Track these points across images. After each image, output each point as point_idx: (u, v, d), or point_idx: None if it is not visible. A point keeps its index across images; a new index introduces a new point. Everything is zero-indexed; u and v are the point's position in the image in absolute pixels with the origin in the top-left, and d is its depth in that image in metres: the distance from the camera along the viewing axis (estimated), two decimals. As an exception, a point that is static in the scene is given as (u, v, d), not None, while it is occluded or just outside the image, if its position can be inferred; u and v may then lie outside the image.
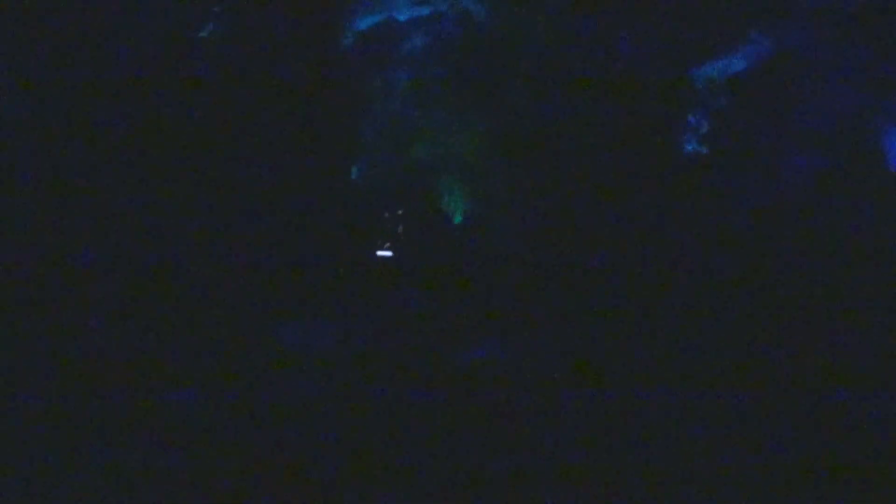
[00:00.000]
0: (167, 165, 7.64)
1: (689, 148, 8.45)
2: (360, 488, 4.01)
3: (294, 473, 4.20)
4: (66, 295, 6.75)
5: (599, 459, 4.46)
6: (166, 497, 3.91)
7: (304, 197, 8.66)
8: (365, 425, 4.96)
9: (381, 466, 4.29)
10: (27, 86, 7.00)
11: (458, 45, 8.89)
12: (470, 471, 4.24)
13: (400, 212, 9.39)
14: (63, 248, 7.01)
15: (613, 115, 8.65)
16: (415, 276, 8.78)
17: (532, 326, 7.35)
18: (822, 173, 7.77)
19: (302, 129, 8.70)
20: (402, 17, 8.82)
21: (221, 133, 8.22)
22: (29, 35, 7.01)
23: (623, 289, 8.13)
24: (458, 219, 9.33)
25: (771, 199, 7.91)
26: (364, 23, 8.74)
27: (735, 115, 8.36)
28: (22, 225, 6.92)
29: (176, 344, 6.40)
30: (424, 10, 8.75)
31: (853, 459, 4.33)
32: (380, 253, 9.27)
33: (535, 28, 8.60)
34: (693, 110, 8.50)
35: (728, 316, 7.30)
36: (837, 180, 7.72)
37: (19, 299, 6.55)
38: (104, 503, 3.86)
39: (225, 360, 5.99)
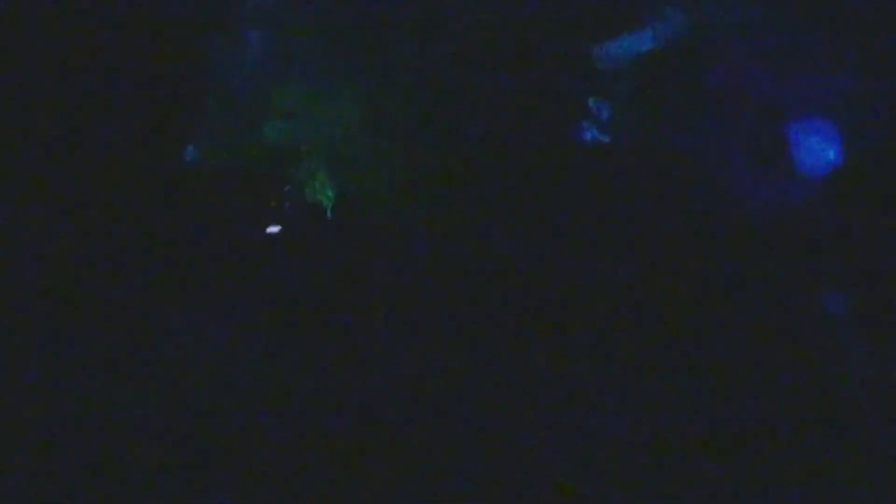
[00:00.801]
0: None
1: (589, 136, 7.22)
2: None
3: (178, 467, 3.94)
4: None
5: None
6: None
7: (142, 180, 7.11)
8: (262, 417, 4.83)
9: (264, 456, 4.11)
10: None
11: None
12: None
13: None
14: None
15: (508, 93, 7.37)
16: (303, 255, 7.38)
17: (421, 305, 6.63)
18: (737, 165, 6.67)
19: (130, 100, 7.10)
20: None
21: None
22: None
23: (512, 283, 6.85)
24: (328, 211, 7.80)
25: (680, 192, 6.77)
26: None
27: (642, 100, 7.19)
28: None
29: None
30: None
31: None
32: (269, 230, 7.69)
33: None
34: (594, 94, 7.27)
35: (627, 315, 6.15)
36: (753, 173, 6.63)
37: None
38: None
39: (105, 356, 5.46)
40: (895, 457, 4.44)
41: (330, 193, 7.52)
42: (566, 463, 4.62)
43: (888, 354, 5.63)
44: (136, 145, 7.05)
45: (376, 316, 6.50)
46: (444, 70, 7.51)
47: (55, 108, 6.59)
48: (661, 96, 7.09)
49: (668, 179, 6.86)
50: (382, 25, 7.67)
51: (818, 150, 6.34)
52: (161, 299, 6.32)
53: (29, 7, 6.48)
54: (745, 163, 6.60)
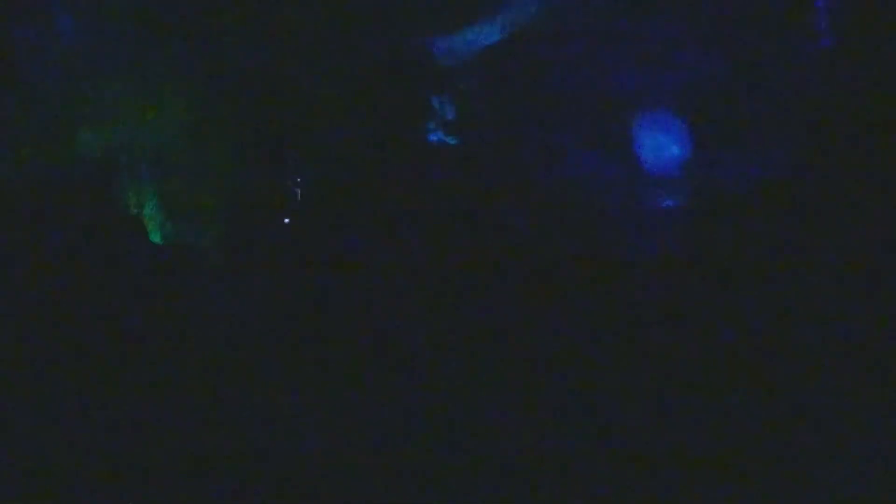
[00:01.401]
0: None
1: (434, 138, 6.75)
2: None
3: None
4: None
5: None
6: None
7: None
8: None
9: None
10: None
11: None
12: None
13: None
14: None
15: (346, 94, 6.79)
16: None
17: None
18: (584, 162, 6.35)
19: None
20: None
21: None
22: None
23: (355, 289, 6.30)
24: (154, 237, 6.94)
25: (527, 193, 6.39)
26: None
27: (488, 97, 6.77)
28: None
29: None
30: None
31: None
32: None
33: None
34: (438, 92, 6.80)
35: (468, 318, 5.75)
36: (600, 170, 6.33)
37: None
38: None
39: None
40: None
41: (152, 208, 6.72)
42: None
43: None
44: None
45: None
46: (277, 68, 6.87)
47: None
48: (508, 92, 6.68)
49: (514, 180, 6.46)
50: (211, 16, 6.95)
51: (662, 145, 6.09)
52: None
53: None
54: (593, 160, 6.27)
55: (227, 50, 6.96)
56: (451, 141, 6.60)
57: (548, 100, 6.55)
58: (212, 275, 6.38)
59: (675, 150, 6.04)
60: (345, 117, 6.66)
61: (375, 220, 6.45)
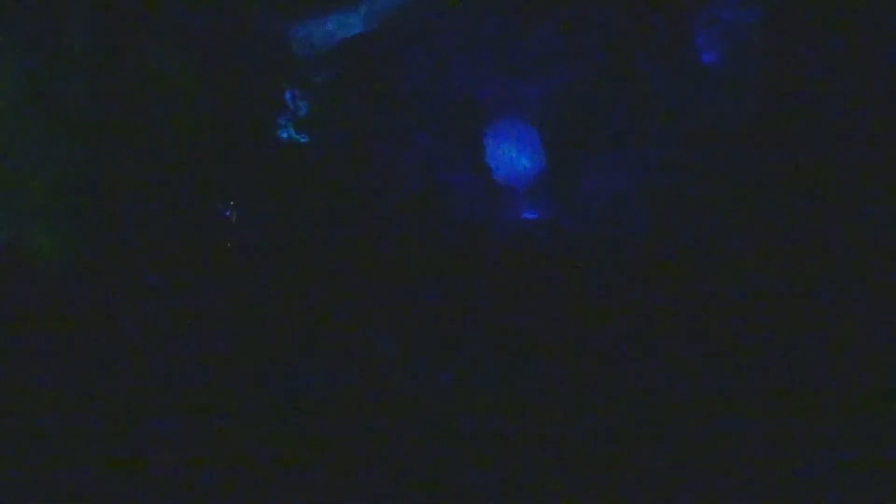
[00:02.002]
0: None
1: (285, 136, 6.37)
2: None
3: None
4: None
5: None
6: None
7: None
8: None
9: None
10: None
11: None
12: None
13: None
14: None
15: (192, 80, 6.31)
16: None
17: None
18: (439, 170, 6.07)
19: None
20: None
21: None
22: None
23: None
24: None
25: (379, 199, 6.09)
26: None
27: (343, 93, 6.40)
28: None
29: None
30: None
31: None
32: None
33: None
34: (290, 86, 6.39)
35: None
36: (455, 180, 6.07)
37: None
38: None
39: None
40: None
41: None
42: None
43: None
44: None
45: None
46: (124, 54, 6.33)
47: None
48: (365, 90, 6.33)
49: (366, 184, 6.15)
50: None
51: (512, 157, 5.87)
52: None
53: None
54: (448, 168, 6.01)
55: (68, 21, 6.39)
56: (302, 139, 6.24)
57: (406, 101, 6.23)
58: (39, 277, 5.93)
59: (525, 162, 5.82)
60: (195, 103, 6.21)
61: (220, 216, 6.09)
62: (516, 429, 5.56)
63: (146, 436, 5.01)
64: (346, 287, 6.07)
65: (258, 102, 6.29)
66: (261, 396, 5.64)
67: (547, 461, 5.22)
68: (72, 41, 6.32)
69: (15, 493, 4.27)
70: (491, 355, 5.86)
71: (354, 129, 6.22)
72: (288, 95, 6.29)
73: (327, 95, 6.27)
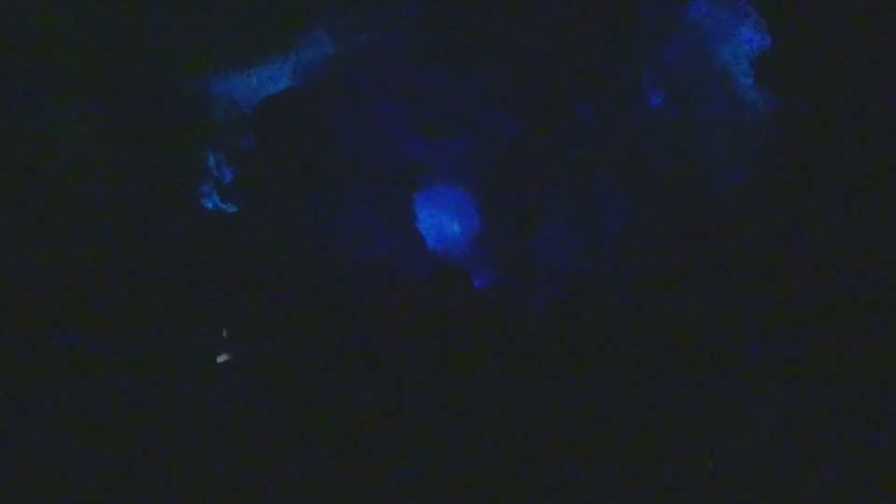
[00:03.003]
0: None
1: (211, 205, 5.92)
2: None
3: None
4: None
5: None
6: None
7: None
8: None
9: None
10: None
11: None
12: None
13: None
14: None
15: (100, 149, 5.86)
16: None
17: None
18: (368, 236, 5.66)
19: None
20: None
21: None
22: None
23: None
24: None
25: (320, 271, 5.69)
26: None
27: (272, 157, 5.95)
28: None
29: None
30: None
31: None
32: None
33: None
34: (214, 149, 5.95)
35: None
36: (382, 247, 5.65)
37: None
38: None
39: None
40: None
41: None
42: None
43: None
44: None
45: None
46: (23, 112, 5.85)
47: None
48: (292, 152, 5.90)
49: (297, 254, 5.76)
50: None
51: (442, 224, 5.47)
52: None
53: None
54: (375, 234, 5.60)
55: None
56: (229, 208, 5.82)
57: (336, 163, 5.81)
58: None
59: (455, 228, 5.43)
60: (97, 167, 5.76)
61: (142, 298, 5.69)
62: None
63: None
64: (279, 369, 5.72)
65: (179, 170, 5.86)
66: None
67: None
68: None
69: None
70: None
71: (283, 197, 5.80)
72: (211, 160, 5.85)
73: (253, 160, 5.84)
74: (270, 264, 5.72)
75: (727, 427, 5.25)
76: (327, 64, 5.95)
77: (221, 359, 5.57)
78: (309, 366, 5.62)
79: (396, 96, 5.66)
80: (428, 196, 5.39)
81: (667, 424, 5.29)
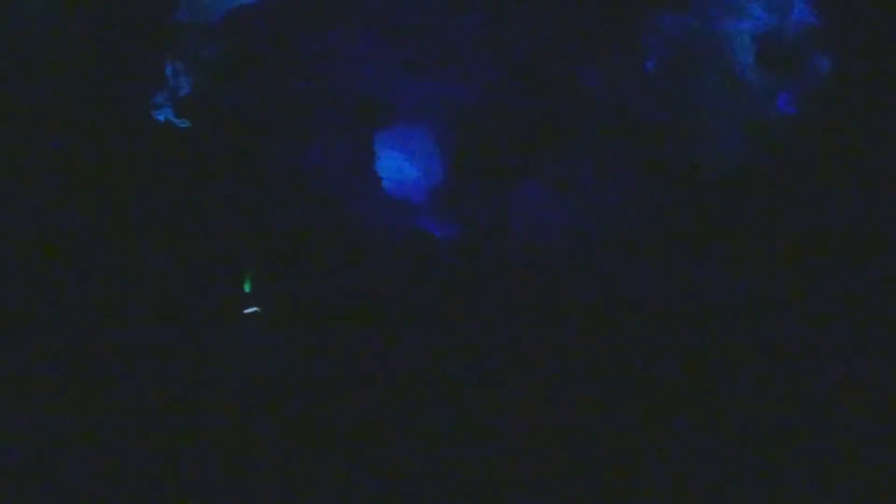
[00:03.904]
0: None
1: (162, 118, 5.42)
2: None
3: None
4: None
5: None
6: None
7: None
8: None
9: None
10: None
11: None
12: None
13: None
14: None
15: (62, 47, 5.41)
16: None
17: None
18: (328, 172, 5.34)
19: None
20: None
21: None
22: None
23: None
24: None
25: (270, 203, 5.36)
26: None
27: (230, 73, 5.52)
28: None
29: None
30: None
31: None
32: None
33: None
34: (173, 56, 5.49)
35: None
36: (342, 186, 5.34)
37: None
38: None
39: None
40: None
41: None
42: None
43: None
44: None
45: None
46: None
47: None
48: (255, 70, 5.49)
49: (250, 186, 5.41)
50: None
51: (401, 167, 5.13)
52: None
53: None
54: (331, 168, 5.26)
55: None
56: (181, 124, 5.43)
57: (301, 91, 5.41)
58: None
59: (414, 172, 5.10)
60: (47, 65, 5.33)
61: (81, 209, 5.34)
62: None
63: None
64: (223, 291, 5.43)
65: (132, 74, 5.43)
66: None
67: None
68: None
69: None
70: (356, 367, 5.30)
71: (242, 118, 5.41)
72: (169, 69, 5.43)
73: (214, 74, 5.43)
74: (216, 189, 5.38)
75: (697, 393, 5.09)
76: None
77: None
78: (248, 302, 5.35)
79: (376, 27, 5.24)
80: (393, 136, 5.03)
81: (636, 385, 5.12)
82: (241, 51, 5.44)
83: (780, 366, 5.05)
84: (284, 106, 5.33)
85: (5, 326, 5.05)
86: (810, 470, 4.62)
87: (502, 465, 4.74)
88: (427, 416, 4.99)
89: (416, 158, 5.06)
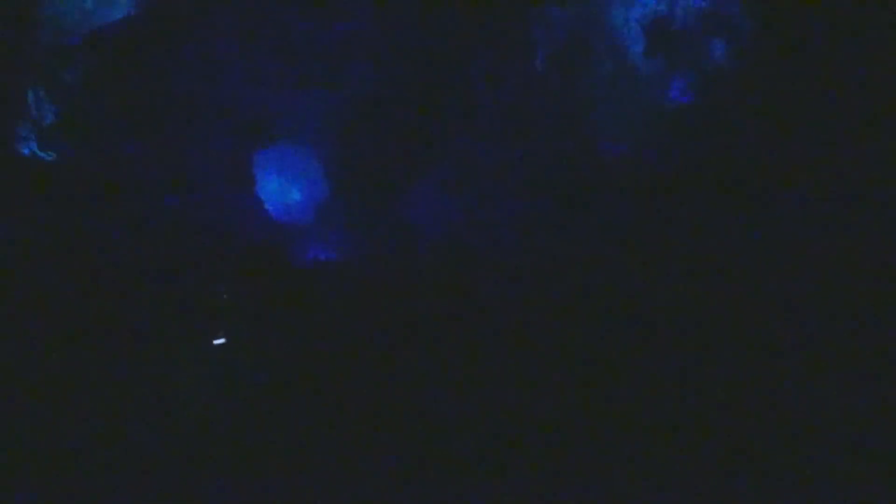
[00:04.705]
0: None
1: (27, 151, 5.07)
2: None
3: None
4: None
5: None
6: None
7: None
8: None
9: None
10: None
11: None
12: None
13: None
14: None
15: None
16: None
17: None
18: (210, 192, 5.01)
19: None
20: None
21: None
22: None
23: None
24: None
25: (148, 233, 5.04)
26: None
27: (101, 95, 5.17)
28: None
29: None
30: None
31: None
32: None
33: None
34: (34, 83, 5.14)
35: None
36: (226, 205, 5.02)
37: None
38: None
39: None
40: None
41: None
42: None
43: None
44: None
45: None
46: None
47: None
48: (123, 91, 5.13)
49: (122, 217, 5.08)
50: None
51: (282, 189, 4.80)
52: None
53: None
54: (210, 194, 4.93)
55: None
56: (47, 156, 5.08)
57: (174, 111, 5.06)
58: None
59: (296, 195, 4.76)
60: None
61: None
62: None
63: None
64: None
65: (-6, 104, 5.08)
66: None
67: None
68: None
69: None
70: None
71: (110, 145, 5.07)
72: (30, 96, 5.07)
73: (78, 98, 5.07)
74: (92, 223, 5.05)
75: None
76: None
77: None
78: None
79: (248, 39, 4.88)
80: (271, 156, 4.69)
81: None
82: (107, 72, 5.08)
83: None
84: (154, 127, 4.98)
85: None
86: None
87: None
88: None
89: (299, 178, 4.73)
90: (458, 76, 4.85)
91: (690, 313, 4.71)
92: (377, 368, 5.01)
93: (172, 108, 4.96)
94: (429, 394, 4.93)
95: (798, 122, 4.64)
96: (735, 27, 4.47)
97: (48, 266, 5.04)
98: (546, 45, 4.84)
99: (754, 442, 4.50)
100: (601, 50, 4.70)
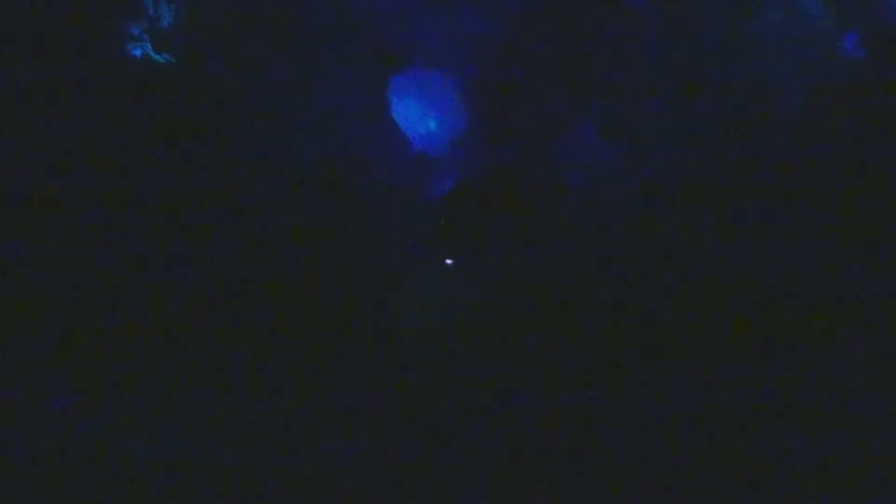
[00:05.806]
0: None
1: (139, 53, 4.66)
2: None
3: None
4: None
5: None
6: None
7: None
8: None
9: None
10: None
11: None
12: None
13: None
14: None
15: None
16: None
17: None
18: (344, 118, 4.68)
19: None
20: None
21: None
22: None
23: None
24: None
25: (269, 159, 4.65)
26: None
27: (226, 8, 4.81)
28: None
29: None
30: None
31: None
32: None
33: None
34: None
35: None
36: (357, 130, 4.70)
37: None
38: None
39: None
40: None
41: None
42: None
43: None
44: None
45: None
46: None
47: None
48: (258, 8, 4.76)
49: (243, 136, 4.66)
50: None
51: (417, 118, 4.46)
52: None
53: None
54: (340, 118, 4.55)
55: None
56: (161, 59, 4.66)
57: (305, 29, 4.71)
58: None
59: (432, 124, 4.43)
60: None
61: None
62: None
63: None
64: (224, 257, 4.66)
65: (104, 3, 4.66)
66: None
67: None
68: None
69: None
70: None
71: (235, 53, 4.68)
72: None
73: (203, 2, 4.69)
74: (205, 139, 4.61)
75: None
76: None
77: None
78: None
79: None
80: (408, 81, 4.34)
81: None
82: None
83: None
84: (283, 45, 4.61)
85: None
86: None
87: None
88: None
89: (432, 109, 4.38)
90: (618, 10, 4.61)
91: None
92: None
93: (304, 25, 4.61)
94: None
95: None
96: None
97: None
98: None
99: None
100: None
